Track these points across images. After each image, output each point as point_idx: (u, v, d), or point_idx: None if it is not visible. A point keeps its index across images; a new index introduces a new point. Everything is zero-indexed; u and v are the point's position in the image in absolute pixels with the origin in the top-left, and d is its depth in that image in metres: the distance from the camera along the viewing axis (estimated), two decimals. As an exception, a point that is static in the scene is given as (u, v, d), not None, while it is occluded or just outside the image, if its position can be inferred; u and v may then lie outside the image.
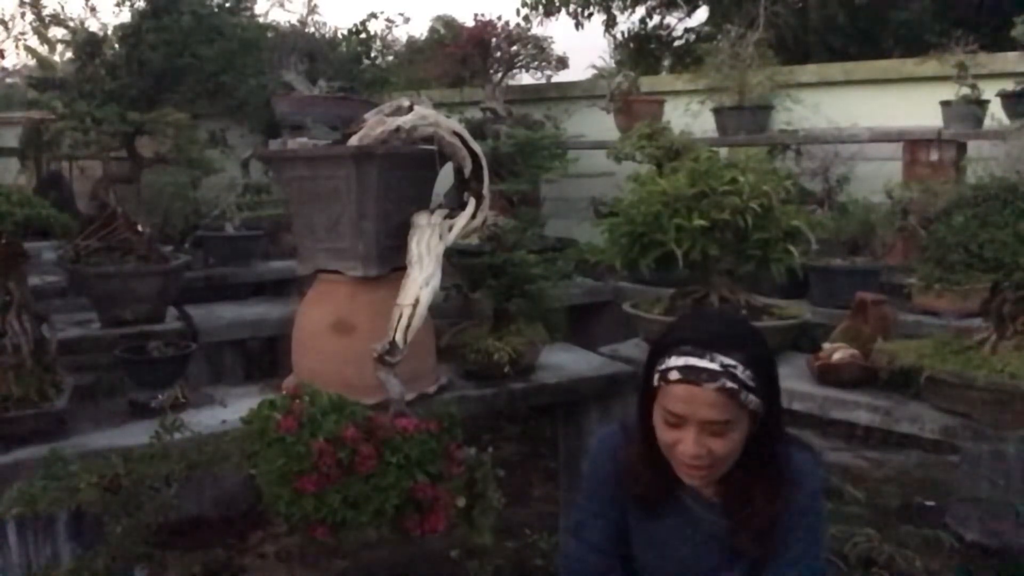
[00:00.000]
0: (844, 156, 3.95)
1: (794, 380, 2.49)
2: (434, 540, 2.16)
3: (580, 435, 2.83)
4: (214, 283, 3.93)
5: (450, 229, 2.32)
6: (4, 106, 5.53)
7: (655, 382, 1.46)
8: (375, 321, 2.23)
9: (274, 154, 2.67)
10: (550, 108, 5.63)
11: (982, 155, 3.33)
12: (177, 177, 4.11)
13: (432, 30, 7.70)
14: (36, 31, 7.14)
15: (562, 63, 5.56)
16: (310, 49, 4.82)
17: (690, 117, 4.68)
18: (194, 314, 3.19)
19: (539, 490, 3.83)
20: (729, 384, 1.38)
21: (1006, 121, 3.65)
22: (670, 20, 9.29)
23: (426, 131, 2.32)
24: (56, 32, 6.82)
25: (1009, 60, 4.03)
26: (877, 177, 3.79)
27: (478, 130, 4.47)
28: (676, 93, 5.06)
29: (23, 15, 7.06)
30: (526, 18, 8.27)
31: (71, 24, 5.81)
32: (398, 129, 2.29)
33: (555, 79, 5.77)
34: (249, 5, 5.81)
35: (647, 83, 5.27)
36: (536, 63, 5.48)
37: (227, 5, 5.57)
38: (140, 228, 3.13)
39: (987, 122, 3.79)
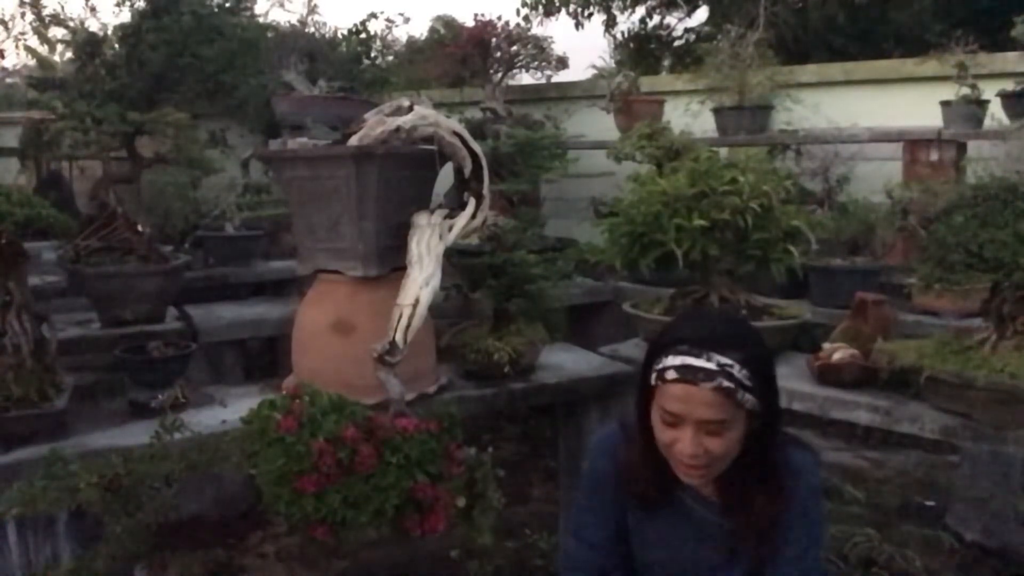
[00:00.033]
0: (844, 156, 3.95)
1: (794, 380, 2.49)
2: (434, 540, 2.16)
3: (580, 435, 2.83)
4: (214, 283, 3.93)
5: (450, 229, 2.32)
6: (4, 106, 5.53)
7: (652, 381, 1.46)
8: (375, 321, 2.23)
9: (274, 154, 2.67)
10: (550, 108, 5.62)
11: (982, 155, 3.32)
12: (177, 177, 4.11)
13: (432, 30, 7.71)
14: (36, 31, 7.14)
15: (562, 63, 5.56)
16: (310, 49, 4.82)
17: (690, 117, 4.68)
18: (194, 314, 3.19)
19: (539, 490, 3.83)
20: (726, 384, 1.38)
21: (1006, 121, 3.64)
22: (670, 20, 9.29)
23: (426, 131, 2.32)
24: (56, 32, 6.83)
25: (1009, 60, 4.03)
26: (877, 177, 3.79)
27: (478, 130, 4.47)
28: (676, 93, 5.06)
29: (23, 15, 7.07)
30: (526, 18, 8.27)
31: (71, 24, 5.81)
32: (398, 129, 2.29)
33: (555, 79, 5.77)
34: (249, 5, 5.81)
35: (647, 83, 5.26)
36: (536, 63, 5.48)
37: (227, 5, 5.57)
38: (140, 228, 3.13)
39: (987, 122, 3.78)
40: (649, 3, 9.05)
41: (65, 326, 2.89)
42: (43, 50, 7.35)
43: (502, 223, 2.87)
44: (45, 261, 3.43)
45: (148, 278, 3.03)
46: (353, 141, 2.33)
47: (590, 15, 8.71)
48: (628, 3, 8.95)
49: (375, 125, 2.32)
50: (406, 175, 2.39)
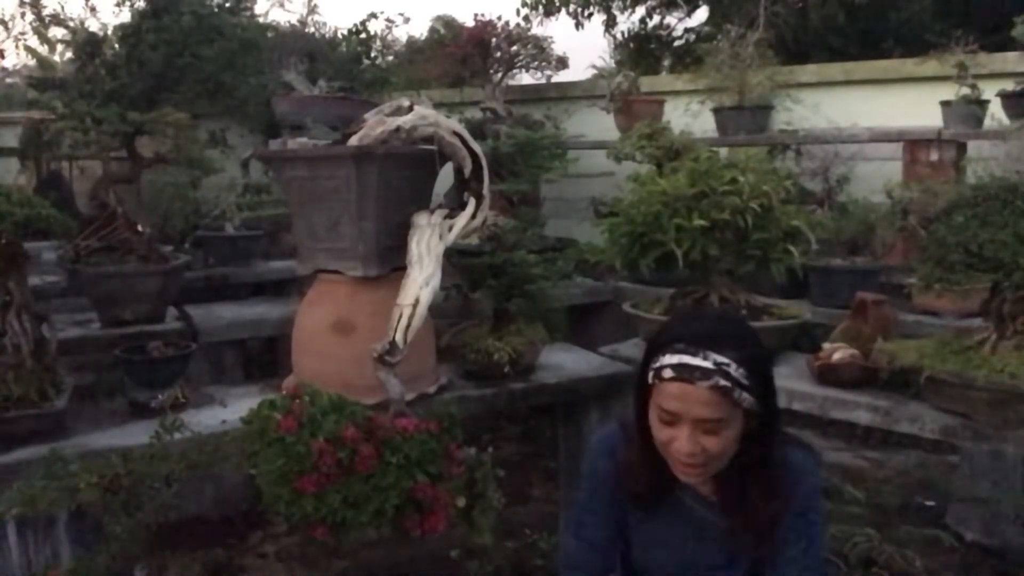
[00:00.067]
0: (844, 156, 3.95)
1: (794, 380, 2.49)
2: (434, 540, 2.15)
3: (580, 435, 2.83)
4: (214, 283, 3.93)
5: (450, 229, 2.32)
6: (4, 106, 5.52)
7: (650, 380, 1.46)
8: (375, 321, 2.23)
9: (274, 154, 2.67)
10: (550, 108, 5.62)
11: (982, 155, 3.33)
12: (177, 177, 4.11)
13: (432, 30, 7.70)
14: (36, 31, 7.13)
15: (562, 63, 5.56)
16: (310, 49, 4.82)
17: (690, 117, 4.68)
18: (194, 314, 3.19)
19: (539, 490, 3.83)
20: (722, 382, 1.38)
21: (1006, 121, 3.64)
22: (670, 20, 9.29)
23: (426, 131, 2.32)
24: (56, 32, 6.81)
25: (1009, 60, 4.03)
26: (877, 177, 3.79)
27: (478, 130, 4.47)
28: (676, 93, 5.06)
29: (23, 15, 7.05)
30: (526, 18, 8.27)
31: (71, 24, 5.80)
32: (398, 129, 2.29)
33: (555, 79, 5.77)
34: (249, 5, 5.81)
35: (647, 83, 5.26)
36: (536, 63, 5.48)
37: (227, 5, 5.57)
38: (140, 228, 3.13)
39: (987, 122, 3.78)
40: (649, 3, 9.04)
41: (65, 326, 2.89)
42: (43, 50, 7.35)
43: (502, 223, 2.87)
44: (45, 261, 3.43)
45: (148, 278, 3.03)
46: (353, 141, 2.33)
47: (590, 15, 8.71)
48: (628, 3, 8.95)
49: (375, 125, 2.32)
50: (406, 175, 2.39)
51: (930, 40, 4.31)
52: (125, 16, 5.30)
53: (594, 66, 9.32)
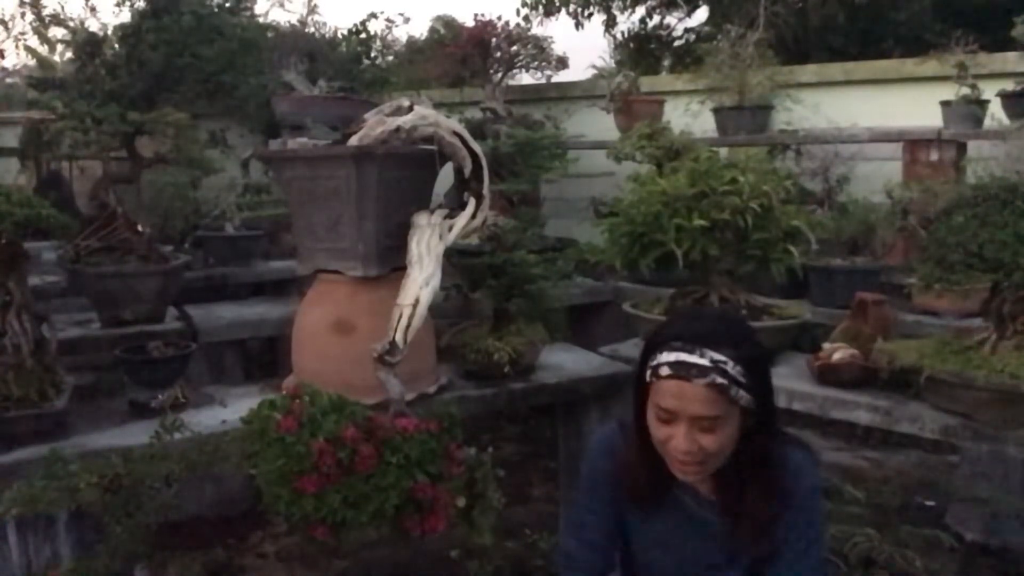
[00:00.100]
0: (844, 156, 3.95)
1: (794, 380, 2.50)
2: (434, 540, 2.15)
3: (580, 435, 2.83)
4: (214, 283, 3.93)
5: (450, 229, 2.32)
6: (4, 106, 5.52)
7: (647, 378, 1.47)
8: (375, 321, 2.23)
9: (274, 154, 2.67)
10: (550, 108, 5.62)
11: (982, 155, 3.33)
12: (177, 177, 4.11)
13: (432, 30, 7.70)
14: (36, 31, 7.13)
15: (562, 63, 5.56)
16: (310, 49, 4.82)
17: (690, 117, 4.68)
18: (194, 314, 3.19)
19: (539, 490, 3.83)
20: (719, 380, 1.38)
21: (1006, 121, 3.64)
22: (670, 20, 9.28)
23: (426, 131, 2.32)
24: (56, 32, 6.82)
25: (1009, 60, 4.03)
26: (877, 177, 3.79)
27: (478, 130, 4.47)
28: (676, 93, 5.06)
29: (23, 15, 7.06)
30: (526, 18, 8.26)
31: (71, 24, 5.80)
32: (398, 129, 2.29)
33: (555, 79, 5.77)
34: (249, 5, 5.81)
35: (647, 83, 5.27)
36: (536, 63, 5.48)
37: (227, 5, 5.57)
38: (140, 228, 3.13)
39: (987, 122, 3.78)
40: (649, 3, 9.04)
41: (65, 326, 2.89)
42: (43, 50, 7.35)
43: (502, 223, 2.87)
44: (45, 261, 3.43)
45: (148, 278, 3.03)
46: (353, 141, 2.33)
47: (590, 15, 8.70)
48: (628, 3, 8.94)
49: (375, 125, 2.32)
50: (406, 175, 2.39)
51: (930, 40, 4.32)
52: (125, 16, 5.31)
53: (594, 66, 9.32)
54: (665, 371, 1.41)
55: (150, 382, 2.43)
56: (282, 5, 7.99)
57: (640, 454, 1.53)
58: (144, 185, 4.25)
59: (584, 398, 2.80)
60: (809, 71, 4.91)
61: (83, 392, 2.50)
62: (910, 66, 4.42)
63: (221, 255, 4.07)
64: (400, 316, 2.13)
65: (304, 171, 2.40)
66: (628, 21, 9.17)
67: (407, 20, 6.51)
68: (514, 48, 5.36)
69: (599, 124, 5.09)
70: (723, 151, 4.20)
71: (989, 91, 3.79)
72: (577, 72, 8.90)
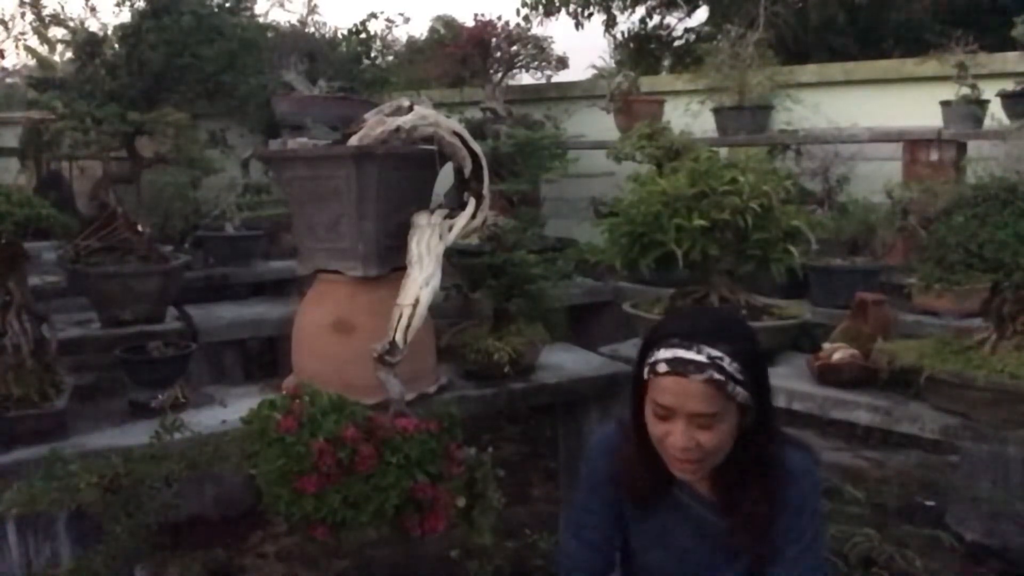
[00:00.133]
0: (844, 156, 3.95)
1: (794, 380, 2.50)
2: (434, 540, 2.15)
3: (580, 435, 2.83)
4: (214, 283, 3.93)
5: (450, 229, 2.31)
6: (4, 106, 5.53)
7: (645, 375, 1.47)
8: (375, 321, 2.23)
9: (274, 154, 2.67)
10: (550, 108, 5.62)
11: (982, 155, 3.33)
12: (177, 177, 4.11)
13: (432, 30, 7.70)
14: (36, 31, 7.14)
15: (562, 63, 5.56)
16: (310, 49, 4.82)
17: (690, 117, 4.68)
18: (194, 314, 3.19)
19: (539, 490, 3.83)
20: (716, 376, 1.39)
21: (1006, 121, 3.64)
22: (670, 20, 9.29)
23: (426, 131, 2.32)
24: (56, 32, 6.82)
25: (1009, 60, 4.03)
26: (877, 177, 3.79)
27: (478, 130, 4.47)
28: (676, 93, 5.06)
29: (23, 15, 7.06)
30: (526, 18, 8.27)
31: (71, 24, 5.80)
32: (398, 129, 2.29)
33: (555, 79, 5.77)
34: (249, 5, 5.81)
35: (647, 83, 5.26)
36: (536, 63, 5.48)
37: (227, 5, 5.57)
38: (140, 228, 3.13)
39: (987, 122, 3.78)
40: (649, 3, 9.04)
41: (65, 326, 2.89)
42: (43, 50, 7.35)
43: (502, 223, 2.86)
44: (45, 261, 3.43)
45: (148, 278, 3.03)
46: (353, 141, 2.33)
47: (590, 15, 8.71)
48: (628, 3, 8.95)
49: (375, 125, 2.32)
50: (406, 175, 2.39)
51: (930, 40, 4.32)
52: (125, 16, 5.31)
53: (594, 66, 9.34)
54: (663, 368, 1.42)
55: (150, 382, 2.43)
56: (282, 5, 8.00)
57: (639, 453, 1.54)
58: (144, 185, 4.26)
59: (584, 398, 2.80)
60: (809, 71, 4.91)
61: (83, 392, 2.50)
62: (910, 66, 4.42)
63: (221, 255, 4.07)
64: (400, 316, 2.13)
65: (304, 171, 2.40)
66: (628, 21, 9.18)
67: (407, 20, 6.51)
68: (514, 48, 5.36)
69: (599, 124, 5.09)
70: (723, 151, 4.20)
71: (989, 91, 3.79)
72: (577, 72, 8.92)
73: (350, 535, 1.92)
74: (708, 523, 1.55)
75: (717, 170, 2.62)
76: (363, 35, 5.56)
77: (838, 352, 2.46)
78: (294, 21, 6.02)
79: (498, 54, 5.33)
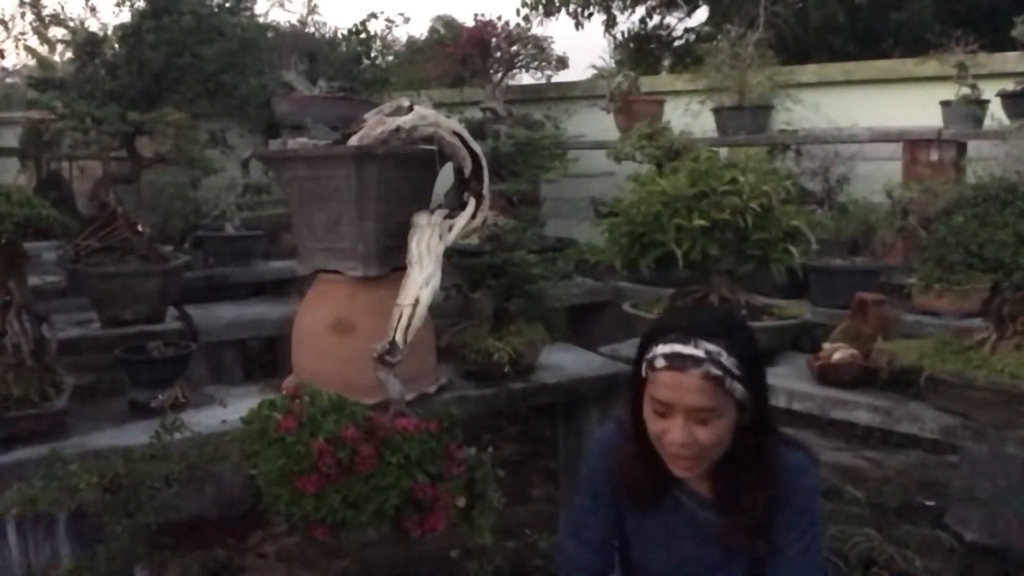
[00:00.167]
0: (844, 156, 3.95)
1: (794, 380, 2.49)
2: (434, 540, 2.16)
3: (580, 435, 2.83)
4: (214, 283, 3.93)
5: (450, 229, 2.32)
6: (4, 106, 5.52)
7: (643, 372, 1.47)
8: (375, 321, 2.23)
9: (274, 154, 2.67)
10: (550, 108, 5.62)
11: (982, 155, 3.33)
12: (177, 177, 4.11)
13: (432, 30, 7.71)
14: (36, 31, 7.13)
15: (562, 63, 5.56)
16: (310, 49, 4.81)
17: (690, 117, 4.68)
18: (194, 314, 3.19)
19: (539, 490, 3.83)
20: (714, 371, 1.39)
21: (1006, 121, 3.64)
22: (670, 20, 9.30)
23: (426, 131, 2.32)
24: (56, 32, 6.82)
25: (1009, 60, 4.03)
26: (877, 177, 3.79)
27: (478, 130, 4.47)
28: (676, 93, 5.06)
29: (23, 15, 7.05)
30: (526, 18, 8.27)
31: (71, 24, 5.80)
32: (398, 129, 2.29)
33: (555, 79, 5.77)
34: (249, 5, 5.81)
35: (647, 83, 5.26)
36: (536, 63, 5.48)
37: (227, 5, 5.57)
38: (140, 228, 3.13)
39: (987, 122, 3.78)
40: (649, 3, 9.05)
41: (65, 326, 2.89)
42: (43, 50, 7.35)
43: (502, 223, 2.87)
44: (45, 261, 3.43)
45: (148, 278, 3.03)
46: (353, 141, 2.33)
47: (590, 15, 8.71)
48: (628, 3, 8.95)
49: (375, 125, 2.32)
50: (406, 175, 2.39)
51: (930, 40, 4.31)
52: (125, 16, 5.31)
53: (594, 66, 9.34)
54: (660, 363, 1.42)
55: (150, 382, 2.43)
56: (282, 5, 7.99)
57: (638, 452, 1.54)
58: (144, 185, 4.25)
59: (584, 398, 2.80)
60: (809, 71, 4.91)
61: (83, 392, 2.50)
62: (910, 66, 4.42)
63: (221, 255, 4.07)
64: (400, 316, 2.13)
65: (304, 171, 2.40)
66: (628, 21, 9.19)
67: (407, 20, 6.51)
68: (514, 48, 5.36)
69: (599, 124, 5.08)
70: (723, 151, 4.20)
71: (989, 91, 3.79)
72: (577, 72, 8.92)
73: (350, 535, 1.92)
74: (707, 523, 1.55)
75: (717, 170, 2.62)
76: (363, 35, 5.56)
77: (838, 352, 2.46)
78: (294, 21, 6.03)
79: (498, 54, 5.33)
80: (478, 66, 5.36)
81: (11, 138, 4.73)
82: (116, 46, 5.23)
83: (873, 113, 4.33)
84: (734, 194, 2.53)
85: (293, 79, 4.09)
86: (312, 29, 5.77)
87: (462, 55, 5.36)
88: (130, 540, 1.90)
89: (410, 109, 2.38)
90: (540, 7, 8.44)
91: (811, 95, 4.64)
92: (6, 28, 7.29)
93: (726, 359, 1.40)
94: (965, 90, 3.82)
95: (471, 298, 2.93)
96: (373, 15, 5.60)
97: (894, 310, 2.79)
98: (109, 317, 3.00)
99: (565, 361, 2.92)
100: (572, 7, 8.56)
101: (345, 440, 1.86)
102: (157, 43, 5.01)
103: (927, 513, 3.37)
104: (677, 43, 9.37)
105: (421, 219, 2.32)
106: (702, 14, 9.03)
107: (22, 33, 7.27)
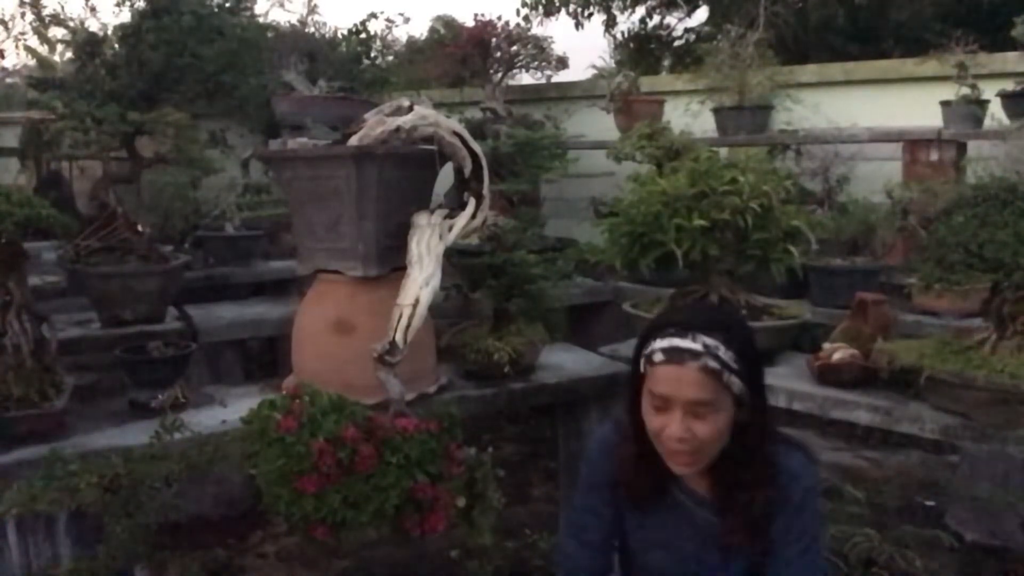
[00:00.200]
0: (844, 156, 3.95)
1: (794, 380, 2.49)
2: (434, 540, 2.16)
3: (580, 435, 2.83)
4: (214, 283, 3.93)
5: (450, 229, 2.32)
6: (4, 106, 5.52)
7: (642, 368, 1.48)
8: (375, 321, 2.23)
9: (274, 154, 2.67)
10: (550, 108, 5.62)
11: (982, 155, 3.33)
12: (177, 177, 4.11)
13: (432, 30, 7.70)
14: (36, 31, 7.14)
15: (562, 63, 5.56)
16: (310, 49, 4.82)
17: (690, 117, 4.68)
18: (194, 314, 3.19)
19: (539, 490, 3.83)
20: (712, 364, 1.40)
21: (1006, 121, 3.64)
22: (670, 20, 9.30)
23: (426, 131, 2.32)
24: (56, 32, 6.83)
25: (1009, 60, 4.03)
26: (877, 177, 3.79)
27: (478, 130, 4.47)
28: (676, 93, 5.06)
29: (23, 15, 7.06)
30: (526, 18, 8.27)
31: (71, 24, 5.80)
32: (398, 129, 2.29)
33: (555, 79, 5.77)
34: (249, 5, 5.80)
35: (647, 83, 5.27)
36: (536, 63, 5.48)
37: (227, 5, 5.56)
38: (140, 228, 3.13)
39: (987, 122, 3.78)
40: (649, 3, 9.05)
41: (65, 326, 2.89)
42: (43, 50, 7.35)
43: (502, 223, 2.87)
44: (45, 261, 3.43)
45: (148, 278, 3.03)
46: (353, 141, 2.33)
47: (590, 15, 8.71)
48: (628, 3, 8.95)
49: (375, 125, 2.32)
50: (406, 175, 2.39)
51: (930, 40, 4.31)
52: (125, 16, 5.30)
53: (594, 66, 9.33)
54: (659, 357, 1.43)
55: (150, 382, 2.43)
56: (282, 5, 8.00)
57: (637, 451, 1.54)
58: (144, 185, 4.25)
59: (584, 398, 2.80)
60: (809, 71, 4.91)
61: (83, 392, 2.50)
62: (910, 66, 4.42)
63: (221, 255, 4.07)
64: (400, 316, 2.13)
65: (304, 171, 2.40)
66: (628, 21, 9.19)
67: (407, 20, 6.50)
68: (514, 48, 5.36)
69: (599, 124, 5.09)
70: (723, 151, 4.20)
71: (989, 91, 3.79)
72: (577, 72, 8.91)
73: (350, 535, 1.92)
74: (707, 523, 1.55)
75: (717, 170, 2.62)
76: (363, 35, 5.55)
77: (838, 352, 2.46)
78: (294, 21, 6.03)
79: (498, 54, 5.33)
80: (478, 66, 5.36)
81: (11, 138, 4.73)
82: (116, 46, 5.23)
83: (873, 113, 4.33)
84: (734, 194, 2.53)
85: (293, 79, 4.09)
86: (312, 29, 5.77)
87: (462, 55, 5.36)
88: (130, 540, 1.90)
89: (410, 109, 2.38)
90: (540, 7, 8.44)
91: (811, 95, 4.64)
92: (6, 28, 7.30)
93: (724, 353, 1.41)
94: (965, 90, 3.82)
95: (471, 298, 2.93)
96: (373, 15, 5.60)
97: (894, 310, 2.79)
98: (109, 317, 3.00)
99: (565, 361, 2.92)
100: (572, 7, 8.56)
101: (345, 440, 1.86)
102: (157, 43, 5.01)
103: (927, 513, 3.37)
104: (677, 43, 9.37)
105: (421, 219, 2.32)
106: (702, 14, 9.04)
107: (22, 33, 7.28)
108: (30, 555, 2.05)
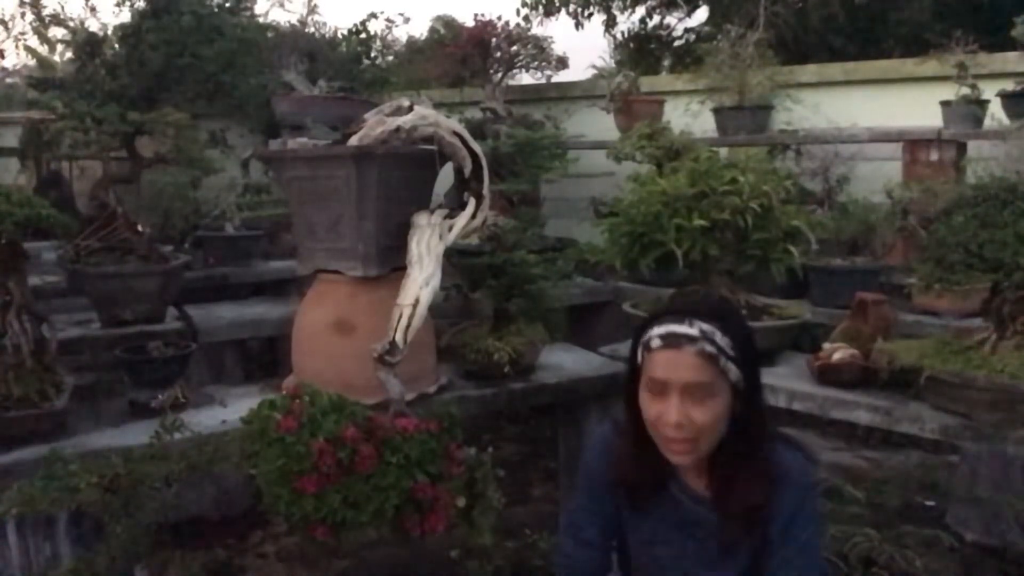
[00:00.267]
0: (844, 156, 3.95)
1: (794, 380, 2.50)
2: (434, 540, 2.15)
3: (580, 435, 2.83)
4: (214, 283, 3.93)
5: (450, 229, 2.32)
6: (4, 106, 5.52)
7: (639, 358, 1.48)
8: (375, 321, 2.23)
9: (274, 154, 2.67)
10: (550, 108, 5.62)
11: (982, 155, 3.33)
12: (177, 177, 4.11)
13: (432, 30, 7.71)
14: (36, 31, 7.14)
15: (562, 63, 5.56)
16: (310, 49, 4.82)
17: (690, 117, 4.68)
18: (194, 314, 3.19)
19: (539, 490, 3.83)
20: (708, 348, 1.41)
21: (1006, 121, 3.64)
22: (670, 20, 9.29)
23: (426, 131, 2.32)
24: (56, 32, 6.83)
25: (1009, 60, 4.03)
26: (877, 177, 3.79)
27: (478, 130, 4.47)
28: (676, 93, 5.06)
29: (23, 15, 7.06)
30: (526, 18, 8.27)
31: (71, 24, 5.80)
32: (398, 129, 2.29)
33: (555, 79, 5.77)
34: (249, 5, 5.81)
35: (647, 83, 5.27)
36: (536, 63, 5.48)
37: (227, 5, 5.57)
38: (140, 228, 3.13)
39: (987, 122, 3.78)
40: (649, 3, 9.04)
41: (65, 326, 2.89)
42: (43, 50, 7.36)
43: (502, 223, 2.87)
44: (45, 261, 3.44)
45: (148, 278, 3.03)
46: (353, 141, 2.33)
47: (590, 15, 8.71)
48: (628, 3, 8.94)
49: (375, 125, 2.32)
50: (406, 175, 2.39)
51: (930, 40, 4.31)
52: (125, 16, 5.31)
53: (594, 66, 9.32)
54: (656, 343, 1.44)
55: (150, 382, 2.43)
56: (282, 5, 8.00)
57: (634, 446, 1.54)
58: (144, 185, 4.25)
59: (584, 398, 2.80)
60: (809, 71, 4.91)
61: (83, 392, 2.50)
62: (910, 66, 4.42)
63: (221, 255, 4.07)
64: (400, 316, 2.13)
65: (304, 171, 2.40)
66: (628, 21, 9.18)
67: (407, 20, 6.51)
68: (514, 48, 5.36)
69: (599, 124, 5.09)
70: (723, 151, 4.20)
71: (989, 91, 3.79)
72: (577, 72, 8.91)
73: (350, 535, 1.92)
74: (705, 521, 1.55)
75: (717, 170, 2.63)
76: (363, 35, 5.56)
77: (838, 352, 2.46)
78: (294, 21, 6.03)
79: (498, 54, 5.33)
80: (478, 66, 5.36)
81: (11, 138, 4.73)
82: (116, 46, 5.23)
83: (873, 113, 4.33)
84: (734, 194, 2.53)
85: (293, 79, 4.09)
86: (312, 29, 5.77)
87: (462, 55, 5.36)
88: (130, 540, 1.90)
89: (410, 109, 2.38)
90: (540, 7, 8.43)
91: (811, 95, 4.64)
92: (6, 28, 7.30)
93: (720, 338, 1.42)
94: (965, 90, 3.82)
95: (471, 298, 2.93)
96: (373, 15, 5.60)
97: (894, 310, 2.79)
98: (109, 317, 3.00)
99: (565, 361, 2.92)
100: (572, 7, 8.55)
101: (345, 440, 1.86)
102: (157, 43, 5.01)
103: (927, 513, 3.36)
104: (677, 43, 9.36)
105: (421, 219, 2.32)
106: (702, 14, 9.03)
107: (22, 33, 7.28)
108: (30, 555, 2.05)
